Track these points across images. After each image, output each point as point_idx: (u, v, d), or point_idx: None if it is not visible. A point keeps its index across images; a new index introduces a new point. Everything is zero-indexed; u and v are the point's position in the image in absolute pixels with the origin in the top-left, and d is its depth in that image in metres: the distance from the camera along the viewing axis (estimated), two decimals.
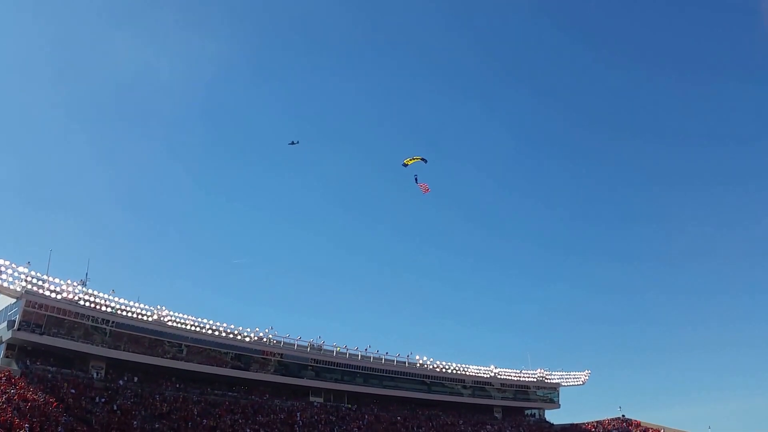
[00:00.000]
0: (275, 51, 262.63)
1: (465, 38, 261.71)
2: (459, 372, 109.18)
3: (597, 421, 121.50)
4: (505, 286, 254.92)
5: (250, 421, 74.55)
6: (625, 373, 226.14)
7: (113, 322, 73.36)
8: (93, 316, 71.84)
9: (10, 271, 65.71)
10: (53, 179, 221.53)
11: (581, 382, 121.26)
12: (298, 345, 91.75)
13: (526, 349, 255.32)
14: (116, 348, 73.52)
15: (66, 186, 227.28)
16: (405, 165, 71.67)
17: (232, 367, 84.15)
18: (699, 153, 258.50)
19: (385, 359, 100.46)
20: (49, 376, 66.16)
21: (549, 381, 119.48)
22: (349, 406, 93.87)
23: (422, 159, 70.94)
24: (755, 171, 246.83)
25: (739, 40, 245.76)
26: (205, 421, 69.75)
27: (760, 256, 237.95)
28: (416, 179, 71.20)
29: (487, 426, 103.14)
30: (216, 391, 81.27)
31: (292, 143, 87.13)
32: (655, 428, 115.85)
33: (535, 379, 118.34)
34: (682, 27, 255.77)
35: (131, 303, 76.26)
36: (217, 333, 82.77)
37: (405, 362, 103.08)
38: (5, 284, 65.11)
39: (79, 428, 56.10)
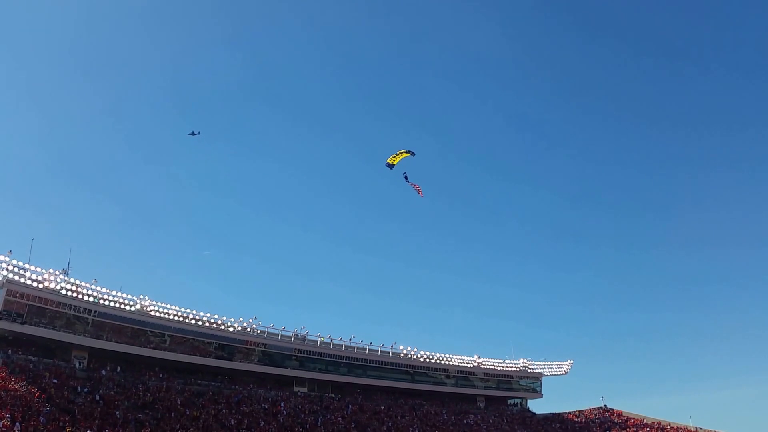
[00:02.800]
0: (263, 37, 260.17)
1: (463, 24, 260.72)
2: (442, 362, 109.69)
3: (579, 411, 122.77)
4: (488, 274, 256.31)
5: (233, 411, 74.41)
6: (607, 363, 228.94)
7: (95, 311, 72.89)
8: (75, 306, 71.34)
9: None
10: (33, 168, 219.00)
11: (564, 372, 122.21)
12: (281, 335, 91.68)
13: (510, 338, 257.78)
14: (99, 338, 73.16)
15: (46, 175, 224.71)
16: (390, 165, 64.08)
17: (216, 357, 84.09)
18: (693, 138, 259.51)
19: (369, 349, 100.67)
20: (31, 366, 65.64)
21: (532, 371, 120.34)
22: (333, 395, 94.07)
23: (409, 152, 63.86)
24: (753, 158, 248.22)
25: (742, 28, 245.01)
26: (188, 411, 69.53)
27: (747, 244, 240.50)
28: (406, 178, 65.00)
29: (470, 415, 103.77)
30: (199, 381, 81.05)
31: (192, 134, 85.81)
32: (636, 418, 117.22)
33: (518, 369, 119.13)
34: (680, 11, 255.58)
35: (114, 292, 75.73)
36: (200, 323, 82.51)
37: (389, 352, 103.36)
38: None
39: (61, 418, 55.66)
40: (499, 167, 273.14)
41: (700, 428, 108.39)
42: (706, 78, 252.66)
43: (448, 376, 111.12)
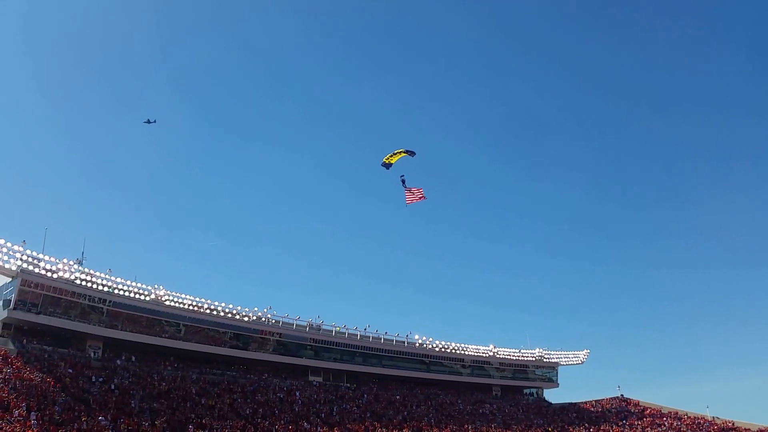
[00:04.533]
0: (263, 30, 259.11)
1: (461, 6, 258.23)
2: (458, 351, 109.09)
3: (596, 401, 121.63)
4: (505, 265, 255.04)
5: (248, 400, 74.24)
6: (624, 353, 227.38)
7: (110, 301, 72.81)
8: (90, 295, 71.26)
9: (5, 250, 64.91)
10: (46, 158, 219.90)
11: (580, 362, 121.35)
12: (296, 324, 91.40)
13: (526, 328, 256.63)
14: (113, 327, 73.10)
15: (59, 165, 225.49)
16: (386, 165, 59.03)
17: (231, 347, 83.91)
18: (705, 125, 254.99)
19: (384, 339, 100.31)
20: (46, 355, 65.69)
21: (548, 360, 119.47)
22: (348, 385, 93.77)
23: (408, 152, 58.39)
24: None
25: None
26: (203, 400, 69.36)
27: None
28: (403, 182, 59.37)
29: (486, 405, 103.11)
30: (214, 371, 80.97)
31: (148, 122, 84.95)
32: (653, 407, 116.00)
33: (534, 359, 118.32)
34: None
35: (128, 282, 75.71)
36: (215, 312, 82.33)
37: (404, 342, 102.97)
38: (0, 263, 64.35)
39: (76, 408, 55.50)
40: (514, 159, 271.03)
41: (718, 417, 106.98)
42: (721, 60, 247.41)
43: (463, 366, 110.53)
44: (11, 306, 64.90)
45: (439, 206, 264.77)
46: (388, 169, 59.02)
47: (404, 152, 58.32)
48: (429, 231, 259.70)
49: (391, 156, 58.50)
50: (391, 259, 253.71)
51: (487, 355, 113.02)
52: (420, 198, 58.85)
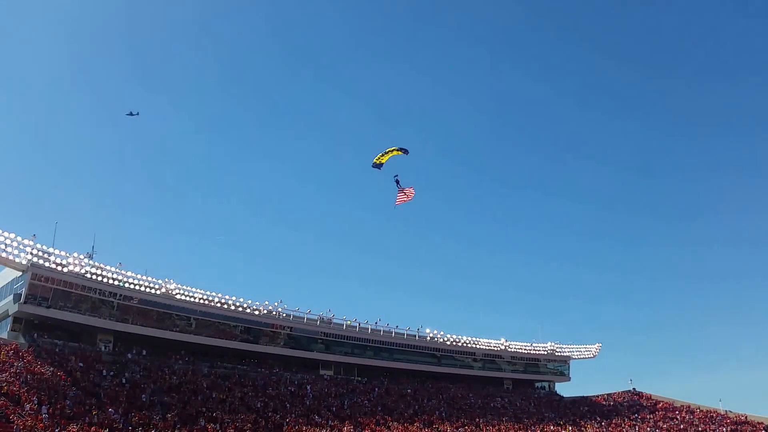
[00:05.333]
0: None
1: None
2: (469, 345, 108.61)
3: (607, 394, 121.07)
4: (515, 258, 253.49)
5: (259, 394, 74.11)
6: (636, 346, 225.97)
7: (121, 295, 72.75)
8: (100, 289, 71.14)
9: (15, 244, 64.89)
10: (58, 150, 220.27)
11: (592, 355, 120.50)
12: (307, 318, 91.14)
13: (538, 322, 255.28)
14: (124, 321, 73.10)
15: (69, 158, 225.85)
16: (377, 165, 55.37)
17: (242, 341, 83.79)
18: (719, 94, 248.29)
19: (395, 332, 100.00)
20: (57, 349, 65.70)
21: (560, 354, 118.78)
22: (359, 379, 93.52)
23: (401, 150, 55.06)
24: None
25: None
26: (214, 394, 69.24)
27: None
28: (397, 181, 55.68)
29: (497, 398, 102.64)
30: (225, 365, 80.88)
31: (131, 114, 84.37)
32: (665, 401, 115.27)
33: (545, 352, 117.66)
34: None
35: (139, 276, 75.56)
36: (225, 306, 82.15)
37: (415, 335, 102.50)
38: (11, 257, 64.35)
39: (87, 401, 55.55)
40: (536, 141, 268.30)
41: (731, 411, 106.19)
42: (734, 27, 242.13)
43: (474, 360, 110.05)
44: (22, 300, 64.83)
45: (452, 196, 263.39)
46: (379, 169, 55.47)
47: (397, 150, 55.13)
48: (441, 224, 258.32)
49: (382, 155, 55.10)
50: (403, 253, 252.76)
51: (499, 348, 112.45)
52: (409, 198, 55.94)
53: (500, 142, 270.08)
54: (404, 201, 56.08)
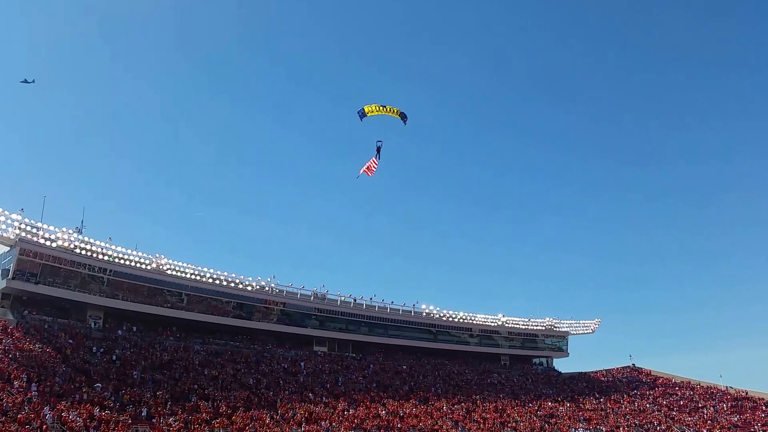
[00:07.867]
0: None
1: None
2: (466, 321, 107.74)
3: (606, 370, 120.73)
4: (512, 231, 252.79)
5: (252, 371, 73.35)
6: (635, 322, 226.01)
7: (111, 270, 71.66)
8: (90, 265, 70.10)
9: (3, 219, 63.49)
10: (44, 125, 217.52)
11: (591, 331, 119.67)
12: (301, 294, 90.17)
13: (536, 297, 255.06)
14: (114, 297, 72.03)
15: (58, 132, 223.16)
16: (362, 114, 50.02)
17: (234, 317, 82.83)
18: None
19: (390, 308, 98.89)
20: (46, 326, 64.77)
21: (558, 329, 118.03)
22: (354, 355, 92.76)
23: (401, 116, 50.32)
24: None
25: None
26: (207, 370, 68.44)
27: None
28: (378, 149, 51.75)
29: (494, 374, 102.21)
30: (218, 341, 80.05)
31: (26, 81, 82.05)
32: (665, 377, 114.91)
33: (543, 328, 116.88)
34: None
35: (129, 251, 74.39)
36: (218, 282, 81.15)
37: (410, 311, 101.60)
38: None
39: (77, 378, 54.72)
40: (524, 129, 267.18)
41: (731, 387, 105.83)
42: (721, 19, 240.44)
43: (471, 335, 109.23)
44: (10, 276, 63.80)
45: (442, 173, 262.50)
46: (361, 120, 50.24)
47: (396, 113, 50.42)
48: (435, 199, 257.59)
49: (379, 108, 49.84)
50: (397, 228, 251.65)
51: (496, 324, 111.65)
52: (372, 174, 52.50)
53: (509, 97, 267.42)
54: (366, 174, 52.74)
